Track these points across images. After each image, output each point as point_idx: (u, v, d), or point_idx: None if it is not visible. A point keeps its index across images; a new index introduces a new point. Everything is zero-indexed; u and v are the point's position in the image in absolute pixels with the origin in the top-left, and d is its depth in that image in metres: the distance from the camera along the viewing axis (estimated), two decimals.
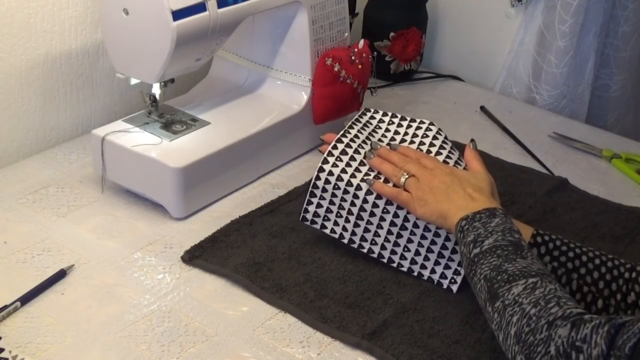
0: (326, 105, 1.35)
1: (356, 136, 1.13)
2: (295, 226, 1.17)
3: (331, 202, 1.10)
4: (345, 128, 1.14)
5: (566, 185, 1.36)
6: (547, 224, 1.24)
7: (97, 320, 0.98)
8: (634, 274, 0.99)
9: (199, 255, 1.10)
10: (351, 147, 1.11)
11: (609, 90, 1.73)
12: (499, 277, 0.88)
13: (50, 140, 1.36)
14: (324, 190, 1.09)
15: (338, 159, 1.09)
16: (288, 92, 1.36)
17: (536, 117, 1.62)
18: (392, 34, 1.66)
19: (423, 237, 1.08)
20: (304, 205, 1.11)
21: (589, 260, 1.00)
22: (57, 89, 1.34)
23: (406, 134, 1.16)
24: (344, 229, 1.10)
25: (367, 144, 1.13)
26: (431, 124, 1.17)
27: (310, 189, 1.10)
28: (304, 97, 1.35)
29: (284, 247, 1.13)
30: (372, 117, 1.18)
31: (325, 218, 1.11)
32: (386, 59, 1.68)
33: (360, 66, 1.36)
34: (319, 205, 1.10)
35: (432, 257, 1.08)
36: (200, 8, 1.13)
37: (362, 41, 1.38)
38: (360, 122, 1.16)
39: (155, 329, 0.98)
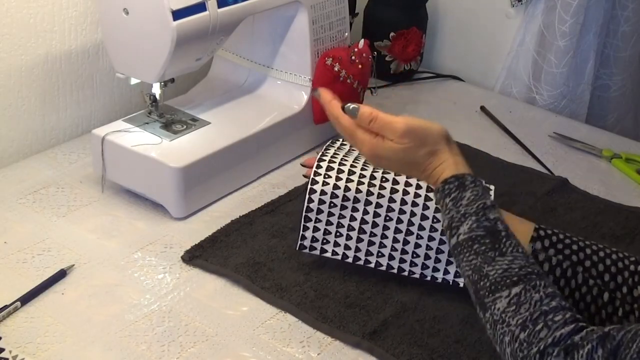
0: None
1: (335, 154, 1.10)
2: (295, 226, 1.17)
3: (328, 223, 1.06)
4: (322, 152, 1.10)
5: (566, 185, 1.36)
6: (547, 224, 1.22)
7: (97, 320, 0.98)
8: (639, 267, 0.98)
9: (199, 255, 1.10)
10: (335, 162, 1.07)
11: (609, 90, 1.73)
12: (481, 283, 0.85)
13: (50, 140, 1.36)
14: (319, 211, 1.06)
15: (326, 176, 1.06)
16: (288, 92, 1.36)
17: (536, 117, 1.62)
18: (392, 34, 1.66)
19: (430, 238, 1.05)
20: (300, 233, 1.07)
21: (593, 253, 0.99)
22: (57, 89, 1.34)
23: None
24: (347, 247, 1.07)
25: (348, 158, 1.09)
26: None
27: (304, 213, 1.06)
28: (304, 97, 1.35)
29: (284, 247, 1.13)
30: (342, 144, 1.13)
31: (325, 241, 1.07)
32: (386, 59, 1.68)
33: (360, 66, 1.36)
34: (315, 229, 1.07)
35: (443, 257, 1.06)
36: (200, 8, 1.13)
37: (362, 41, 1.38)
38: (333, 147, 1.12)
39: (156, 329, 0.98)
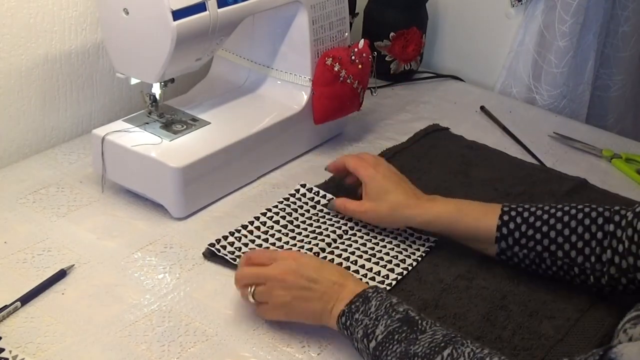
0: (326, 105, 1.35)
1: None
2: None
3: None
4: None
5: (586, 185, 1.35)
6: None
7: (97, 320, 0.98)
8: (605, 227, 1.01)
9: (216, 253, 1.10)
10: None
11: (609, 90, 1.73)
12: None
13: (50, 140, 1.36)
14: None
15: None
16: (288, 92, 1.36)
17: (536, 117, 1.62)
18: (392, 34, 1.66)
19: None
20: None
21: (558, 234, 1.03)
22: (57, 89, 1.34)
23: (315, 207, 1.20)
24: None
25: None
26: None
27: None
28: (304, 97, 1.35)
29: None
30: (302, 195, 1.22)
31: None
32: (386, 59, 1.68)
33: (360, 66, 1.35)
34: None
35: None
36: (200, 8, 1.13)
37: (362, 41, 1.38)
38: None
39: (156, 329, 0.98)
